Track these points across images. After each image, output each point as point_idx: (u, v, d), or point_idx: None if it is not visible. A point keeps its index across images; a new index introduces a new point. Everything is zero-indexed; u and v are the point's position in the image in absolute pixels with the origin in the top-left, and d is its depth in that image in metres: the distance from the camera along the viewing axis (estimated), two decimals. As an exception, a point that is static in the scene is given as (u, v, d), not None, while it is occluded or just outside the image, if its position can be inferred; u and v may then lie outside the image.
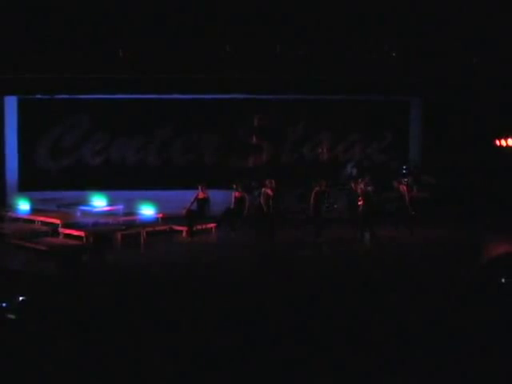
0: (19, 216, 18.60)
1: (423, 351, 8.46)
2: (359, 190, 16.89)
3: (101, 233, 16.59)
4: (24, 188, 19.74)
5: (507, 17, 16.13)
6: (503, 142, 19.65)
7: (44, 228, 17.54)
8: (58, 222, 17.38)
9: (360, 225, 16.88)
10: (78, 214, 17.79)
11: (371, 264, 14.60)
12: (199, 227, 17.83)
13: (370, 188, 16.84)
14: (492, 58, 17.36)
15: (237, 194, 17.57)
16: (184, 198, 17.65)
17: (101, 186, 19.31)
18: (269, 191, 16.88)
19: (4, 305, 9.94)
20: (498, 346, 8.57)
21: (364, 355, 8.40)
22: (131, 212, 18.37)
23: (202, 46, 17.04)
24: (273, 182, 17.07)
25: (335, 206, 19.68)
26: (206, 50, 17.16)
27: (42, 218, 18.02)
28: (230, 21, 16.41)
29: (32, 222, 18.21)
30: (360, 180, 17.30)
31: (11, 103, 20.27)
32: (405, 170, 20.35)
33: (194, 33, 16.60)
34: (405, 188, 17.68)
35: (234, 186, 17.66)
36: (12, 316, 9.69)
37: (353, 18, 16.36)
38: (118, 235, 16.61)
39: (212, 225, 18.12)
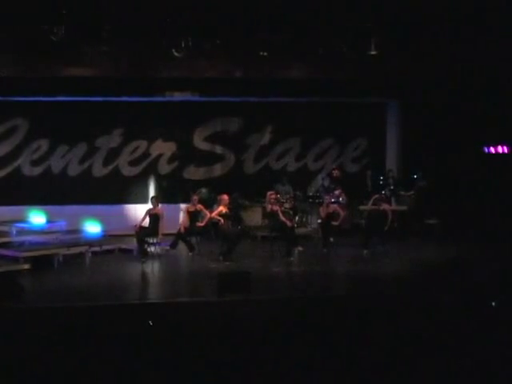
0: None
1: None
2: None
3: (40, 253, 15.69)
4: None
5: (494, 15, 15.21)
6: (492, 150, 18.99)
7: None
8: (-11, 241, 16.23)
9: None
10: (14, 232, 16.65)
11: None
12: (152, 246, 16.64)
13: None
14: (475, 59, 16.54)
15: (191, 207, 16.60)
16: (134, 214, 17.24)
17: (40, 200, 18.20)
18: (221, 208, 16.40)
19: None
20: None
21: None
22: (74, 229, 17.33)
23: (153, 43, 15.89)
24: (226, 197, 16.61)
25: (304, 220, 19.05)
26: (158, 48, 15.97)
27: (-29, 238, 16.78)
28: (185, 17, 15.30)
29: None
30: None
31: None
32: (382, 181, 19.36)
33: (147, 30, 15.57)
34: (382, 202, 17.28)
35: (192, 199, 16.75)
36: None
37: (327, 15, 15.40)
38: (60, 256, 15.73)
39: (166, 243, 16.88)
